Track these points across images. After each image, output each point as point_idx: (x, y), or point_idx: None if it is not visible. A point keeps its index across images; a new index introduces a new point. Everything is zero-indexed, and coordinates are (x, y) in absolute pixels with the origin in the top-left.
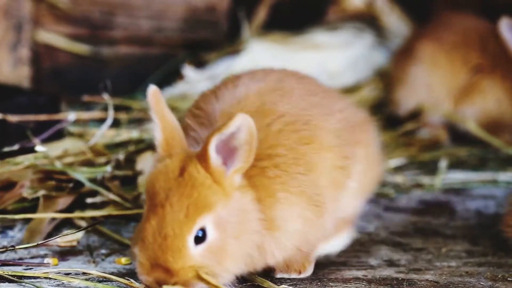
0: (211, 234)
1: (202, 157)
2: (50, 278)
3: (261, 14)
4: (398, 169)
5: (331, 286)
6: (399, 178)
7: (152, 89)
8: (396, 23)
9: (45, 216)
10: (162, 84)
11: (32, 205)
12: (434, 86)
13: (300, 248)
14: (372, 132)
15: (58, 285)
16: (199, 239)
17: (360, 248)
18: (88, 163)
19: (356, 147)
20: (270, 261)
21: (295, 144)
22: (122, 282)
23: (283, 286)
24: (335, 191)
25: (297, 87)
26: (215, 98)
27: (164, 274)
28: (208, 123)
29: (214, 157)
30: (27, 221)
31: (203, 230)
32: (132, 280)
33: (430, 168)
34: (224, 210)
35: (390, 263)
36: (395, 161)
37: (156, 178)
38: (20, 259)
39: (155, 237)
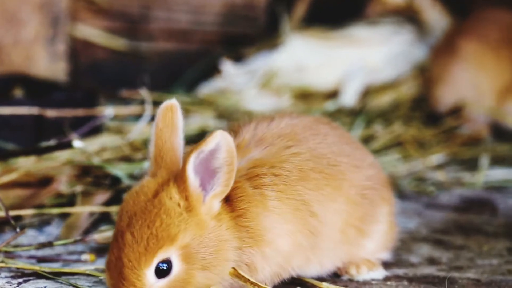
0: (176, 267)
1: (180, 179)
2: (87, 275)
3: (301, 8)
4: (439, 166)
5: (372, 284)
6: (440, 175)
7: (167, 103)
8: (437, 19)
9: (83, 210)
10: (200, 79)
11: (69, 201)
12: (478, 83)
13: (278, 273)
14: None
15: (95, 282)
16: (163, 272)
17: (400, 245)
18: (126, 159)
19: (381, 206)
20: (259, 278)
21: (315, 173)
22: None
23: (324, 283)
24: (343, 245)
25: (331, 133)
26: (247, 126)
27: None
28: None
29: (192, 177)
30: (64, 217)
31: (167, 262)
32: None
33: (471, 165)
34: (195, 240)
35: (431, 261)
36: (436, 158)
37: (128, 198)
38: (57, 255)
39: (114, 265)
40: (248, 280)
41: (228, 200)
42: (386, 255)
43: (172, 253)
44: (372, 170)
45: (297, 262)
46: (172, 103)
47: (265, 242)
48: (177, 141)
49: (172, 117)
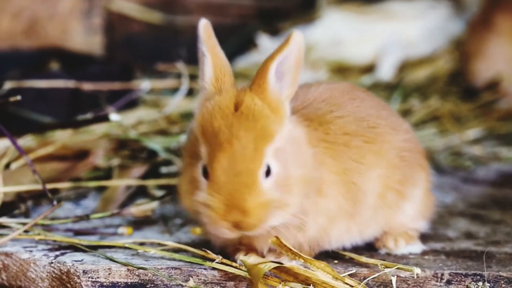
0: (275, 166)
1: (259, 86)
2: (125, 248)
3: None
4: (475, 141)
5: (409, 258)
6: (477, 150)
7: (204, 23)
8: None
9: (120, 184)
10: (236, 53)
11: (105, 175)
12: None
13: (320, 239)
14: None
15: (133, 255)
16: (266, 172)
17: (437, 220)
18: (162, 132)
19: (419, 171)
20: (303, 239)
21: (357, 138)
22: (198, 253)
23: (363, 257)
24: (383, 210)
25: (367, 98)
26: None
27: (241, 215)
28: None
29: (273, 83)
30: (100, 190)
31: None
32: (208, 251)
33: (508, 139)
34: (282, 140)
35: (468, 236)
36: (473, 133)
37: (212, 116)
38: (94, 228)
39: (228, 176)
40: (290, 249)
41: None
42: (424, 225)
43: (271, 151)
44: (409, 134)
45: (337, 230)
46: (207, 23)
47: (319, 192)
48: (225, 57)
49: (212, 34)
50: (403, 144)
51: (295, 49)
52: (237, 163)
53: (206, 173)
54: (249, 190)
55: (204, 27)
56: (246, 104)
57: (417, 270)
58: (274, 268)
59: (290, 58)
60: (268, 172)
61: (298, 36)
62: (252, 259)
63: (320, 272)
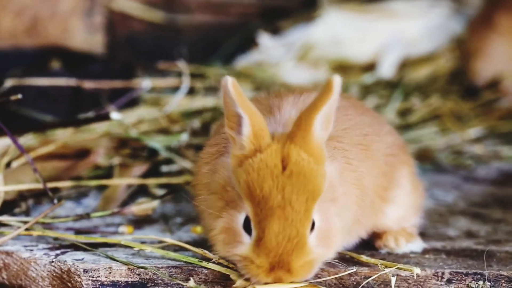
0: (317, 219)
1: (303, 138)
2: (125, 247)
3: None
4: (476, 140)
5: (410, 258)
6: (478, 149)
7: (230, 80)
8: None
9: (121, 182)
10: (237, 52)
11: (106, 173)
12: None
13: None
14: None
15: (133, 253)
16: (312, 227)
17: (438, 219)
18: (163, 131)
19: (401, 169)
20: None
21: (358, 147)
22: (197, 252)
23: (363, 256)
24: (372, 215)
25: (348, 104)
26: (269, 96)
27: (286, 273)
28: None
29: (318, 134)
30: (101, 189)
31: None
32: (206, 251)
33: (509, 138)
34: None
35: (469, 235)
36: (474, 131)
37: (260, 177)
38: (95, 227)
39: (277, 240)
40: None
41: None
42: (418, 220)
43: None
44: (390, 136)
45: (346, 236)
46: (233, 80)
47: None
48: (256, 109)
49: (241, 90)
50: (386, 149)
51: (337, 95)
52: (289, 229)
53: (247, 226)
54: (297, 252)
55: (232, 84)
56: (293, 161)
57: (417, 270)
58: None
59: (332, 104)
60: (312, 227)
61: (337, 81)
62: (239, 282)
63: None
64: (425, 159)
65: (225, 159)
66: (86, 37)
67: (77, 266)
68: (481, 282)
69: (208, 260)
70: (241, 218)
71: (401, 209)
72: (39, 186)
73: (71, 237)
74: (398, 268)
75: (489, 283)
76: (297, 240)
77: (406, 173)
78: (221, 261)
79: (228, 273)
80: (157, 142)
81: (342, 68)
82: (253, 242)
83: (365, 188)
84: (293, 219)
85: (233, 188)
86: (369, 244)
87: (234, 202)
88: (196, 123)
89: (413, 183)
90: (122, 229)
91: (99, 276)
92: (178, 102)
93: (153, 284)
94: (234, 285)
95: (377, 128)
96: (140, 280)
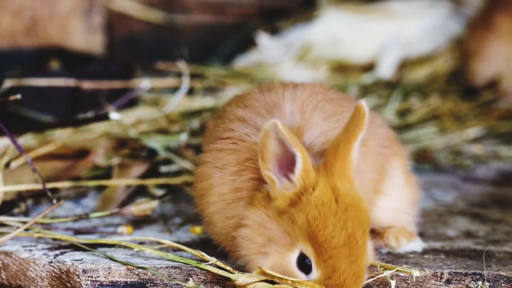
0: (369, 249)
1: (342, 167)
2: (124, 247)
3: None
4: (475, 140)
5: (409, 258)
6: (477, 149)
7: (278, 123)
8: None
9: (120, 183)
10: (236, 52)
11: (105, 173)
12: None
13: None
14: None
15: (132, 254)
16: None
17: (437, 219)
18: (162, 131)
19: (393, 161)
20: None
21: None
22: (195, 254)
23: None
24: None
25: (338, 97)
26: (263, 92)
27: None
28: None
29: (355, 161)
30: (100, 189)
31: None
32: (203, 253)
33: (508, 138)
34: None
35: (468, 235)
36: (473, 132)
37: (321, 216)
38: (94, 227)
39: (345, 277)
40: (275, 276)
41: None
42: (414, 217)
43: None
44: (382, 129)
45: None
46: (277, 122)
47: None
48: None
49: (289, 130)
50: (380, 142)
51: (368, 118)
52: (354, 265)
53: (303, 264)
54: (359, 283)
55: (282, 126)
56: (343, 193)
57: (416, 273)
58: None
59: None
60: None
61: (366, 107)
62: (241, 279)
63: None
64: (424, 159)
65: (260, 195)
66: (85, 37)
67: (76, 267)
68: (480, 282)
69: (206, 262)
70: (293, 258)
71: (394, 201)
72: (38, 186)
73: (70, 238)
74: (397, 271)
75: (488, 283)
76: (362, 272)
77: (398, 165)
78: (218, 263)
79: (225, 276)
80: (156, 142)
81: (341, 68)
82: (318, 281)
83: (365, 185)
84: (357, 256)
85: (278, 226)
86: None
87: (280, 240)
88: (195, 123)
89: (406, 176)
90: (121, 229)
91: (98, 276)
92: (177, 102)
93: (152, 284)
94: (236, 282)
95: (369, 121)
96: (139, 281)
